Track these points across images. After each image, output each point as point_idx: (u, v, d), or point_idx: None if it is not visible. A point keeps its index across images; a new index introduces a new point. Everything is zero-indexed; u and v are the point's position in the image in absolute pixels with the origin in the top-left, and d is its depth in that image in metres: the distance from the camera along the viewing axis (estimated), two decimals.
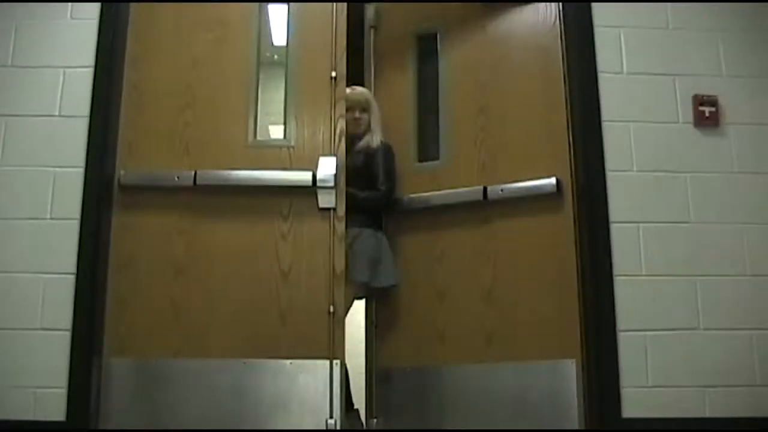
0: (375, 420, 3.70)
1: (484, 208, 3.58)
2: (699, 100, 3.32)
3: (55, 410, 3.03)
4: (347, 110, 3.68)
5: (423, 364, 3.63)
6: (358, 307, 3.84)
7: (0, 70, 3.32)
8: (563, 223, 3.35)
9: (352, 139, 3.88)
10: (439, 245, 3.72)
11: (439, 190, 3.75)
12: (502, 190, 3.50)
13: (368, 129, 3.98)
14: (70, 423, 3.02)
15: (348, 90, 3.75)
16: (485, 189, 3.55)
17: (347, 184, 3.40)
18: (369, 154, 3.89)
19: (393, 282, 3.73)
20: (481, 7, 3.83)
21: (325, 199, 3.32)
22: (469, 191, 3.61)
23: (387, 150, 3.92)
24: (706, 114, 3.31)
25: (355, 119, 3.94)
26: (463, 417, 3.44)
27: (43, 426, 3.02)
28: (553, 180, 3.37)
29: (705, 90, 3.34)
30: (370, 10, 4.26)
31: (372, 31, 4.25)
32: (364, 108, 3.99)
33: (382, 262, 3.72)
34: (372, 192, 3.80)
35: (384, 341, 3.76)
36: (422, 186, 3.82)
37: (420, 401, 3.59)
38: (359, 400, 3.83)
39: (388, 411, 3.69)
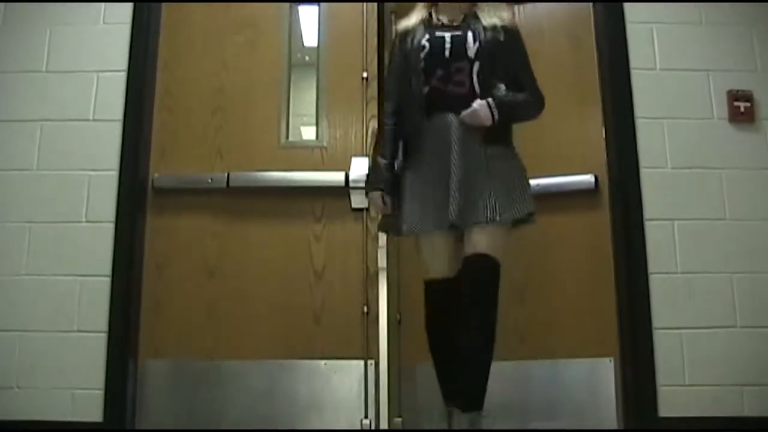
0: (400, 419, 3.67)
1: None
2: (734, 96, 3.29)
3: (93, 411, 3.08)
4: None
5: None
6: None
7: (35, 75, 3.37)
8: (601, 220, 3.32)
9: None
10: None
11: None
12: (538, 185, 3.46)
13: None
14: (106, 423, 3.07)
15: None
16: None
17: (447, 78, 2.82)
18: (508, 32, 2.90)
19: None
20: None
21: (358, 200, 3.32)
22: None
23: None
24: (741, 109, 3.28)
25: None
26: (496, 415, 3.42)
27: (81, 426, 3.07)
28: (591, 176, 3.33)
29: (740, 85, 3.31)
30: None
31: None
32: None
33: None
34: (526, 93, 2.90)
35: (409, 338, 3.73)
36: None
37: None
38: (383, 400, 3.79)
39: (414, 410, 3.66)
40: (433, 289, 2.86)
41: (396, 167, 2.91)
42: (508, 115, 2.83)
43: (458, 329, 2.70)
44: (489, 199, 2.71)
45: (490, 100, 2.76)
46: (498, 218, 2.69)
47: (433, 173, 2.78)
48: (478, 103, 2.75)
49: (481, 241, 2.72)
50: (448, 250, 2.83)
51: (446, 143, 2.77)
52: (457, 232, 2.77)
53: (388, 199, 2.89)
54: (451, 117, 2.78)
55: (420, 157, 2.83)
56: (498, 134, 2.82)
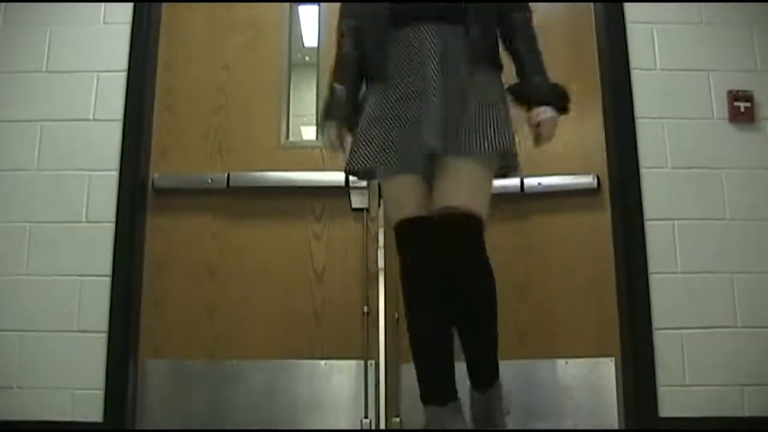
0: (398, 419, 3.66)
1: (520, 202, 3.50)
2: (734, 96, 3.29)
3: (93, 411, 3.08)
4: None
5: None
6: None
7: (35, 75, 3.37)
8: (602, 220, 3.32)
9: None
10: None
11: None
12: (539, 184, 3.44)
13: None
14: (106, 423, 3.07)
15: None
16: (522, 181, 3.46)
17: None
18: None
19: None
20: None
21: (358, 200, 3.32)
22: (505, 183, 3.50)
23: None
24: (742, 109, 3.27)
25: None
26: None
27: (81, 427, 3.06)
28: (592, 176, 3.33)
29: (740, 85, 3.30)
30: None
31: None
32: None
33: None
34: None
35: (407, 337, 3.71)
36: None
37: None
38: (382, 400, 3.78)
39: (413, 410, 3.64)
40: (406, 229, 2.31)
41: (359, 96, 2.46)
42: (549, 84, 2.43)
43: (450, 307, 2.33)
44: (468, 129, 2.25)
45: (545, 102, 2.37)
46: (478, 150, 2.23)
47: (399, 97, 2.29)
48: (542, 110, 2.38)
49: (455, 186, 2.25)
50: (420, 189, 2.31)
51: (418, 60, 2.28)
52: (429, 170, 2.29)
53: (345, 133, 2.48)
54: (424, 27, 2.29)
55: (384, 79, 2.33)
56: (487, 52, 2.38)
